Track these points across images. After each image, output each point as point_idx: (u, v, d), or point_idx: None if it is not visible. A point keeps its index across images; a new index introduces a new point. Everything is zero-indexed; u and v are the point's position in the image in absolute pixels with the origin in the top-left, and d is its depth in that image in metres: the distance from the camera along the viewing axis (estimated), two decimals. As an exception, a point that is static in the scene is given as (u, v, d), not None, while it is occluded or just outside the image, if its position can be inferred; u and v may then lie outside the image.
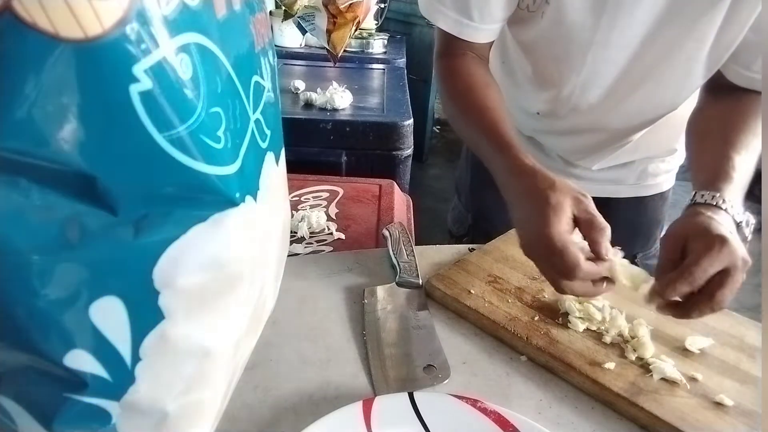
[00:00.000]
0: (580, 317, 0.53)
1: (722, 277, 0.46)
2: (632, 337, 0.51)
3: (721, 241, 0.46)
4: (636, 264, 0.68)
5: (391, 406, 0.42)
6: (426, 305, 0.58)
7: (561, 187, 0.51)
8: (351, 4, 1.21)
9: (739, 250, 0.47)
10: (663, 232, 0.89)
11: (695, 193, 0.54)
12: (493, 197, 0.63)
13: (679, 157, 0.84)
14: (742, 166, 0.56)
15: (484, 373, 0.50)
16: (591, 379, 0.47)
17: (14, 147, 0.22)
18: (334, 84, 1.50)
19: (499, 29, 0.68)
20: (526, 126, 0.83)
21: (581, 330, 0.53)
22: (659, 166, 0.83)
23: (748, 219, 0.53)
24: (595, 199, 0.66)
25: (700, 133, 0.65)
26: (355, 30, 1.31)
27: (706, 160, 0.59)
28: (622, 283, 0.50)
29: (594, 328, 0.53)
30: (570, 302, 0.55)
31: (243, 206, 0.31)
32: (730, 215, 0.51)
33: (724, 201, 0.52)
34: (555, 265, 0.49)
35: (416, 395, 0.43)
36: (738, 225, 0.52)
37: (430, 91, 3.03)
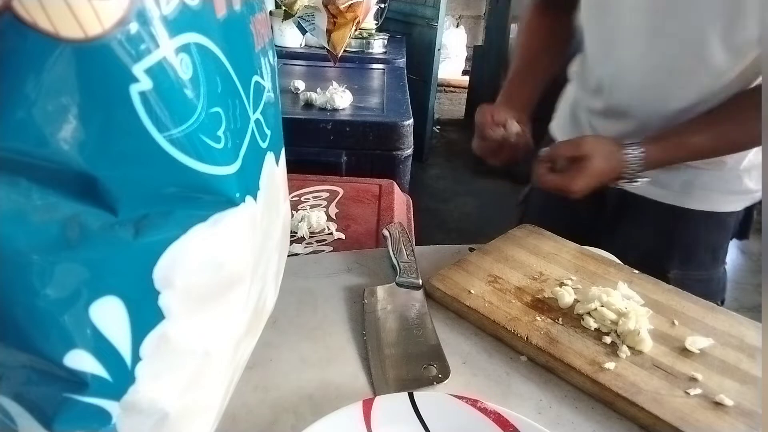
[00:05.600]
0: (593, 317, 0.54)
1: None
2: (632, 332, 0.51)
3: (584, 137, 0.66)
4: (668, 278, 0.74)
5: (391, 406, 0.42)
6: (426, 305, 0.58)
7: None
8: (351, 4, 1.21)
9: (599, 145, 0.67)
10: (713, 256, 0.82)
11: None
12: None
13: (733, 176, 0.77)
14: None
15: (484, 373, 0.50)
16: (591, 379, 0.47)
17: (14, 147, 0.22)
18: (334, 84, 1.50)
19: None
20: (589, 107, 0.86)
21: (593, 329, 0.53)
22: (706, 181, 0.78)
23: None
24: (637, 197, 0.81)
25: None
26: (355, 30, 1.31)
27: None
28: None
29: (606, 330, 0.53)
30: (586, 304, 0.55)
31: (243, 206, 0.31)
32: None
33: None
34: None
35: (416, 395, 0.43)
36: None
37: (430, 91, 3.03)
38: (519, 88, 0.83)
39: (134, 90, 0.23)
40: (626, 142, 0.68)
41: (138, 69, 0.23)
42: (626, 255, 0.74)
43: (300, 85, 1.55)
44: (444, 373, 0.49)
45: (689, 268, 0.81)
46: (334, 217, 0.87)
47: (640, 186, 0.75)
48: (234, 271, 0.33)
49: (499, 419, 0.41)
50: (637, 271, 0.64)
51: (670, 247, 0.82)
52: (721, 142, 0.68)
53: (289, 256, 0.52)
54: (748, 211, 0.81)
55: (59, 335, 0.25)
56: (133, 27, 0.23)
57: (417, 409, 0.42)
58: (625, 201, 0.83)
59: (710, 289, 0.81)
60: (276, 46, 1.75)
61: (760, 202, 0.79)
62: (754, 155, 0.75)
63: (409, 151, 1.41)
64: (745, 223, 0.82)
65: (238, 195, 0.30)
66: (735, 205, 0.80)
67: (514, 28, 3.07)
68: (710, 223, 0.80)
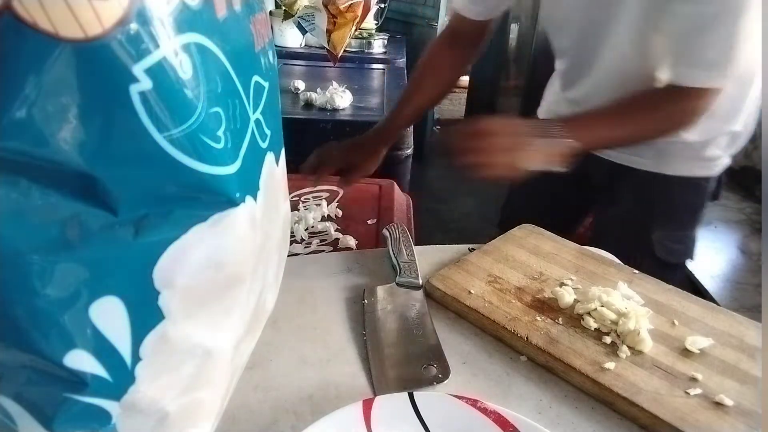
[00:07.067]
0: (593, 317, 0.54)
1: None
2: (632, 332, 0.51)
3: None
4: (652, 240, 0.86)
5: (391, 406, 0.42)
6: (426, 305, 0.58)
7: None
8: (351, 4, 1.21)
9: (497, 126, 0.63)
10: (692, 217, 0.90)
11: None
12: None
13: (700, 145, 0.83)
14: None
15: (484, 373, 0.50)
16: (591, 379, 0.47)
17: (14, 147, 0.22)
18: (334, 84, 1.50)
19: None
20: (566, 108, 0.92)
21: (593, 329, 0.53)
22: (677, 150, 0.83)
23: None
24: (620, 167, 0.87)
25: None
26: (355, 30, 1.31)
27: None
28: None
29: (606, 330, 0.53)
30: (587, 304, 0.55)
31: (243, 206, 0.31)
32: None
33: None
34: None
35: (416, 395, 0.43)
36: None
37: (430, 91, 3.02)
38: (403, 119, 0.89)
39: (134, 90, 0.23)
40: (548, 125, 0.68)
41: (138, 69, 0.23)
42: (613, 225, 0.90)
43: (300, 85, 1.55)
44: (444, 373, 0.49)
45: (671, 229, 0.88)
46: (334, 217, 0.87)
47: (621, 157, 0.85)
48: (234, 271, 0.33)
49: (499, 419, 0.41)
50: (637, 271, 0.64)
51: (651, 210, 0.88)
52: (628, 136, 0.73)
53: (289, 256, 0.52)
54: (721, 175, 0.88)
55: (59, 335, 0.26)
56: (133, 27, 0.23)
57: (417, 409, 0.42)
58: (609, 172, 0.89)
59: (688, 247, 0.90)
60: (276, 46, 1.75)
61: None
62: (712, 126, 0.79)
63: (409, 151, 1.41)
64: (718, 187, 0.89)
65: (238, 195, 0.30)
66: (706, 170, 0.86)
67: (514, 28, 3.07)
68: (687, 187, 0.86)
